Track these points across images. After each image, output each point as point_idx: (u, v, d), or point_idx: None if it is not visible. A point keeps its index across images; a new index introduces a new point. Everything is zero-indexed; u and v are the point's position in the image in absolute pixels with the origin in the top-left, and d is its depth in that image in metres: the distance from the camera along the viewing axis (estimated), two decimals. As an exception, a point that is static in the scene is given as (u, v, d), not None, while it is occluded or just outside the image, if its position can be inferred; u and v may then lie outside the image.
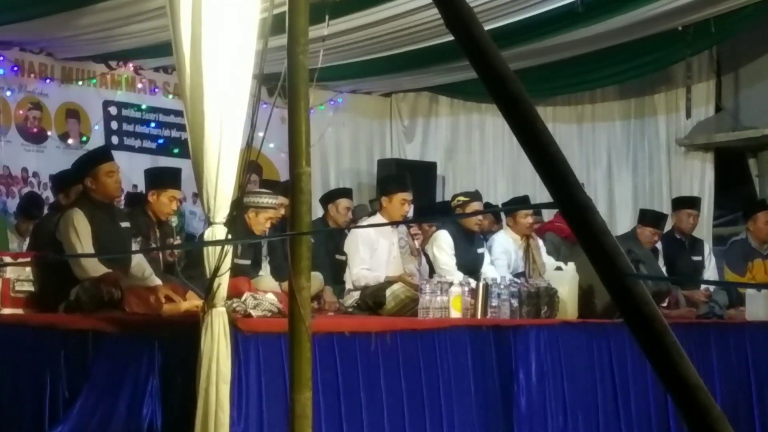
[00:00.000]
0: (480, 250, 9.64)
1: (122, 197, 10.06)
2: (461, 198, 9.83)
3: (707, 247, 11.13)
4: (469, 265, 9.37)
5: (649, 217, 10.68)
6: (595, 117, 14.48)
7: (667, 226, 11.42)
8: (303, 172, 4.93)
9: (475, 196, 9.96)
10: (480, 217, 9.74)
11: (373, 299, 8.46)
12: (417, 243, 9.34)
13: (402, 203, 8.99)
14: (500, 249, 9.73)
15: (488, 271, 9.41)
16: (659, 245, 10.67)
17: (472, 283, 8.09)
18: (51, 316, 6.89)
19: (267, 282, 8.28)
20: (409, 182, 9.30)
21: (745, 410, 9.15)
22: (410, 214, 9.74)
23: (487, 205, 12.61)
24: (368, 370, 6.41)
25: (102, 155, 7.89)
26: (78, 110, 11.99)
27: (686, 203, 11.16)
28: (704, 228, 13.10)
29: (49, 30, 10.57)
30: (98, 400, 5.92)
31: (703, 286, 10.42)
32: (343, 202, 10.28)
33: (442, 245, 9.34)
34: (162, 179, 8.39)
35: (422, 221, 9.61)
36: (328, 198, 10.58)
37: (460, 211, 9.55)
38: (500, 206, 12.24)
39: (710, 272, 10.80)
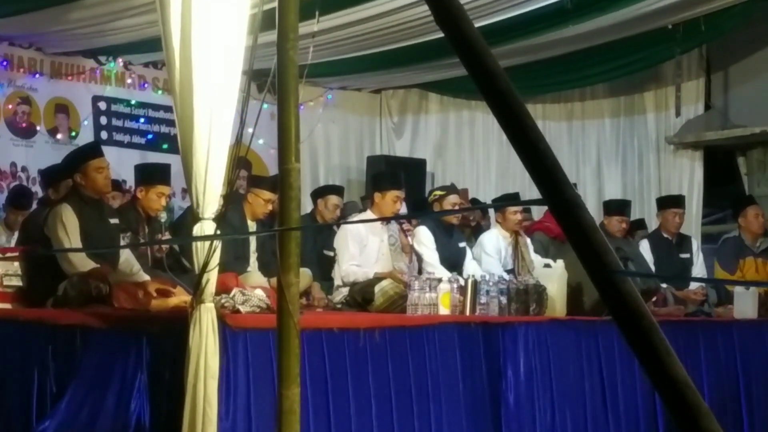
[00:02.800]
0: (461, 244, 9.64)
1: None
2: (438, 192, 9.84)
3: (695, 244, 11.14)
4: (451, 258, 9.36)
5: (613, 207, 10.69)
6: (585, 114, 14.48)
7: (653, 226, 11.46)
8: (292, 168, 4.93)
9: (452, 189, 9.99)
10: (456, 204, 9.82)
11: (361, 295, 8.46)
12: (410, 239, 9.34)
13: (394, 201, 9.00)
14: (492, 247, 9.72)
15: (470, 267, 9.41)
16: (647, 244, 10.68)
17: (461, 280, 8.10)
18: (39, 311, 6.87)
19: (255, 278, 8.28)
20: (403, 180, 9.32)
21: (733, 407, 9.17)
22: (402, 211, 9.73)
23: (475, 201, 12.64)
24: (356, 366, 6.41)
25: (92, 151, 7.88)
26: (67, 105, 11.97)
27: (671, 202, 11.13)
28: (693, 226, 13.12)
29: (39, 25, 10.55)
30: (86, 395, 5.91)
31: (697, 285, 10.43)
32: (332, 199, 10.27)
33: (423, 240, 9.33)
34: (150, 175, 8.39)
35: (409, 217, 9.60)
36: (318, 193, 10.58)
37: (437, 206, 9.54)
38: (489, 203, 12.24)
39: (698, 269, 10.81)
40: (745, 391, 9.29)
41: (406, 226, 9.51)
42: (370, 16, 10.37)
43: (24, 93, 11.65)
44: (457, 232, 9.74)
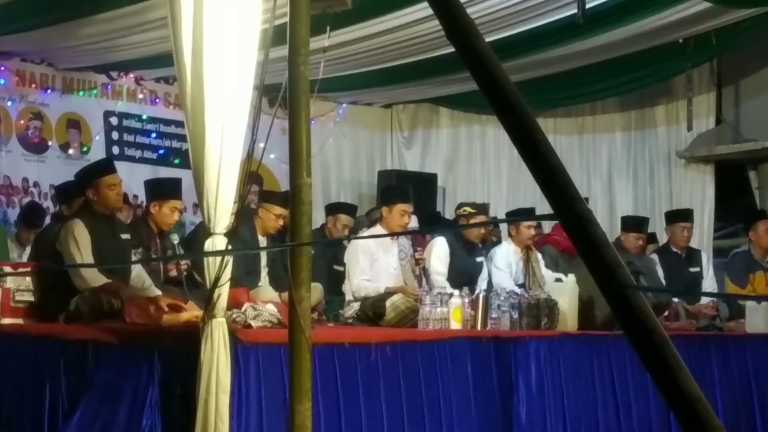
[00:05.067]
0: (479, 259, 9.59)
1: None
2: (468, 209, 9.72)
3: (705, 257, 11.12)
4: (468, 274, 9.30)
5: (630, 223, 10.68)
6: (596, 129, 14.47)
7: (662, 240, 11.43)
8: (303, 183, 4.94)
9: (482, 209, 9.85)
10: (482, 229, 9.68)
11: (373, 310, 8.45)
12: (418, 269, 9.21)
13: (402, 214, 8.96)
14: (503, 262, 9.68)
15: (483, 284, 9.36)
16: (656, 259, 10.66)
17: (473, 294, 8.09)
18: (51, 326, 6.89)
19: (267, 292, 8.28)
20: (411, 194, 9.26)
21: (747, 422, 9.14)
22: (411, 225, 9.68)
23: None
24: (368, 381, 6.41)
25: (104, 167, 7.89)
26: (79, 120, 11.99)
27: (679, 216, 11.13)
28: (704, 240, 13.11)
29: (50, 40, 10.58)
30: (98, 411, 5.91)
31: (708, 299, 10.41)
32: (342, 219, 10.24)
33: (438, 253, 9.27)
34: (163, 190, 8.39)
35: (423, 232, 9.56)
36: (330, 209, 10.57)
37: (463, 221, 9.50)
38: (501, 218, 12.21)
39: (709, 282, 10.79)
40: (759, 405, 9.26)
41: (417, 253, 9.40)
42: (381, 31, 10.39)
43: (36, 108, 11.68)
44: (477, 248, 9.64)
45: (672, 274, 10.55)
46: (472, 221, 9.41)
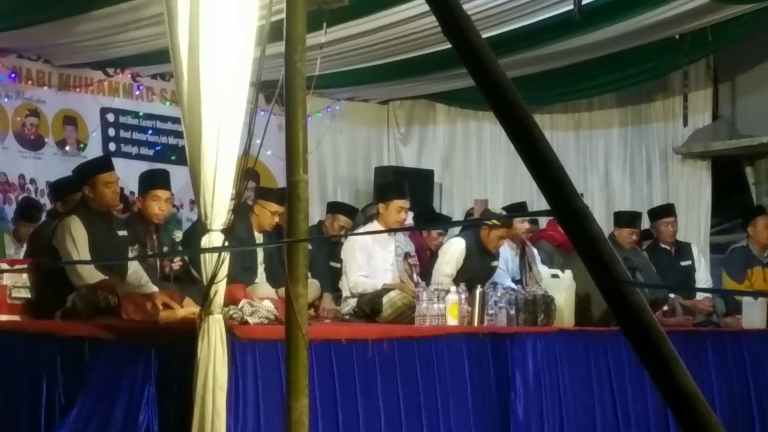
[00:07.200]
0: (494, 263, 9.36)
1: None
2: (495, 222, 9.18)
3: (695, 250, 11.13)
4: (479, 279, 9.13)
5: (623, 218, 10.63)
6: (593, 125, 14.45)
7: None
8: (300, 180, 4.93)
9: (507, 223, 9.49)
10: (501, 239, 9.38)
11: (369, 306, 8.45)
12: (415, 276, 9.07)
13: (398, 210, 8.92)
14: (501, 259, 9.65)
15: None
16: (647, 256, 10.65)
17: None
18: (47, 323, 6.88)
19: (263, 289, 8.27)
20: (407, 190, 9.22)
21: (745, 418, 9.14)
22: (408, 221, 9.65)
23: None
24: (365, 378, 6.41)
25: (102, 165, 7.87)
26: (75, 117, 11.97)
27: (661, 213, 11.15)
28: (701, 236, 13.11)
29: (47, 37, 10.56)
30: (95, 407, 5.91)
31: (703, 298, 10.40)
32: (340, 220, 10.20)
33: (452, 255, 9.10)
34: (146, 182, 8.34)
35: (419, 228, 9.53)
36: (332, 208, 10.53)
37: (485, 230, 9.11)
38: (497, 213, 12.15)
39: (701, 274, 10.81)
40: (756, 401, 9.26)
41: (413, 259, 9.27)
42: (378, 27, 10.37)
43: (32, 105, 11.66)
44: (496, 254, 9.44)
45: (664, 270, 10.54)
46: (493, 232, 9.12)
